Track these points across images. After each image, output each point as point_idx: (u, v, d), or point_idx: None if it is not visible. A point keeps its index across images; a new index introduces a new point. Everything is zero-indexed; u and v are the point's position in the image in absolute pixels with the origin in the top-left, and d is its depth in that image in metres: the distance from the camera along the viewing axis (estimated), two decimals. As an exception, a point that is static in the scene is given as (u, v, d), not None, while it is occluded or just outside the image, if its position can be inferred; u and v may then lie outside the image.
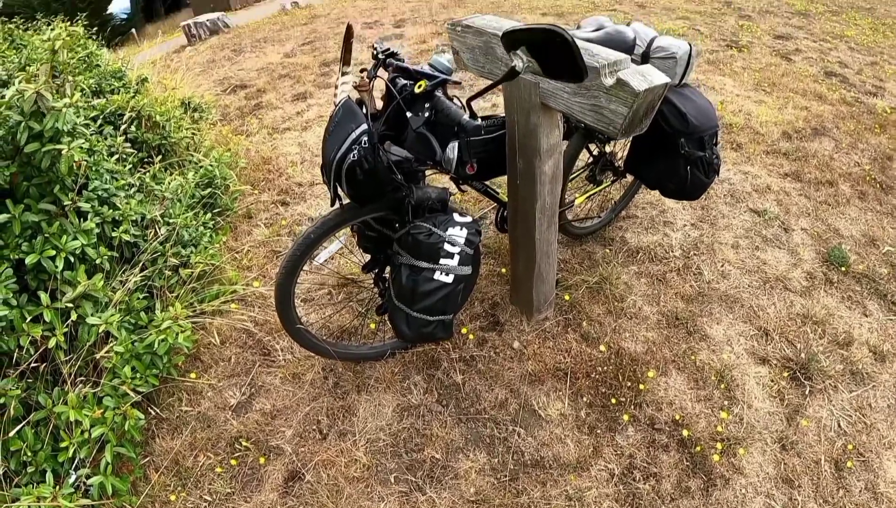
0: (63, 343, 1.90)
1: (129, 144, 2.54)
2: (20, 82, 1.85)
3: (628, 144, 2.37)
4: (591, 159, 2.52)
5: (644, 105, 1.38)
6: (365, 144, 1.49)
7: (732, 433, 1.98)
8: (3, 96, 1.84)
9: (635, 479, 1.85)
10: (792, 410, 2.07)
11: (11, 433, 1.74)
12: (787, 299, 2.49)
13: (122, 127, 2.60)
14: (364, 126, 1.51)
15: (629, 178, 2.67)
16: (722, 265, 2.64)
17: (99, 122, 2.53)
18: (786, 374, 2.18)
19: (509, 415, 2.02)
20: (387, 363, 2.22)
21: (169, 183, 2.51)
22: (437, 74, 1.64)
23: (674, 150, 2.09)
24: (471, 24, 1.83)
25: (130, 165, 2.47)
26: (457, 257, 1.64)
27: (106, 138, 2.46)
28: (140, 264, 2.30)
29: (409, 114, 1.55)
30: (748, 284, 2.56)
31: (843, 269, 2.67)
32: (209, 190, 2.84)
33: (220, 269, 2.67)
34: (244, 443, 2.05)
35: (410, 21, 7.76)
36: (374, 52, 1.74)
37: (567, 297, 2.39)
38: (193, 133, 3.05)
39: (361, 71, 1.76)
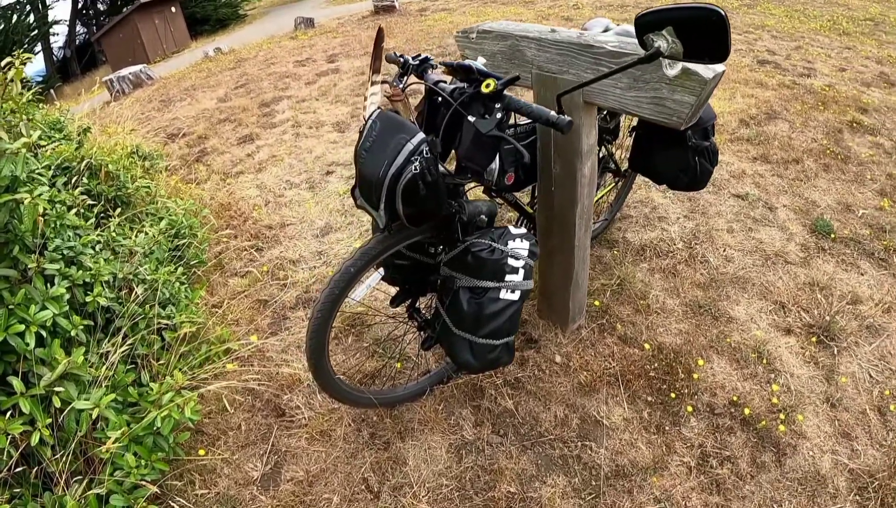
0: (48, 437, 1.55)
1: (85, 196, 2.18)
2: None
3: (630, 144, 2.37)
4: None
5: (706, 94, 1.36)
6: (427, 153, 1.34)
7: (786, 402, 2.00)
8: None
9: (712, 466, 1.80)
10: (828, 370, 2.12)
11: None
12: (791, 272, 2.57)
13: (74, 179, 2.24)
14: (421, 135, 1.34)
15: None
16: (724, 250, 2.69)
17: (51, 172, 2.16)
18: (812, 339, 2.22)
19: (573, 431, 1.89)
20: (425, 402, 2.02)
21: (134, 238, 2.17)
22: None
23: (682, 142, 2.11)
24: (489, 28, 1.76)
25: (92, 219, 2.12)
26: (522, 272, 1.50)
27: (60, 191, 2.10)
28: (121, 332, 1.96)
29: (471, 118, 1.40)
30: (752, 263, 2.62)
31: (832, 236, 2.80)
32: (185, 240, 2.52)
33: (204, 328, 2.35)
34: (283, 519, 1.76)
35: (343, 55, 7.64)
36: (402, 61, 1.60)
37: (597, 303, 2.31)
38: (148, 183, 2.70)
39: (383, 82, 1.61)
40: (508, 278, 1.48)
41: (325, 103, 5.68)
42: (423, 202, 1.37)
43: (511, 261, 1.49)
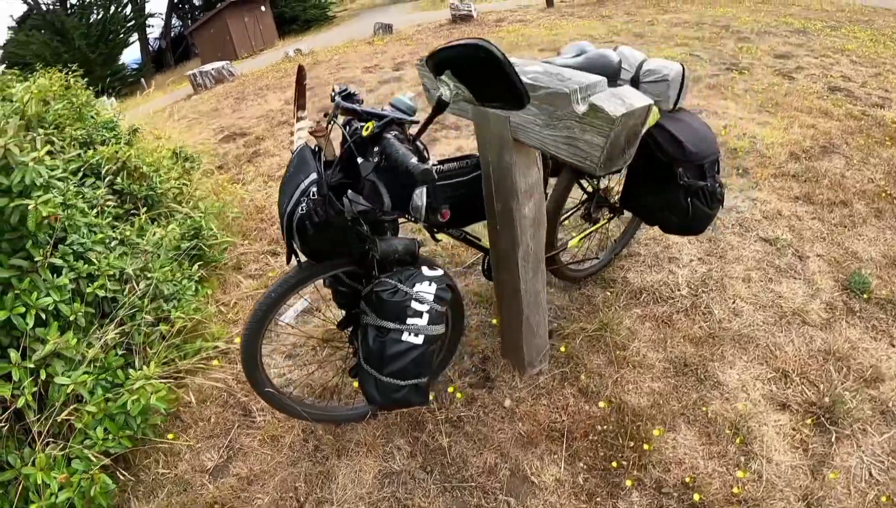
0: (32, 402, 1.81)
1: (112, 196, 2.51)
2: None
3: (623, 179, 2.24)
4: (584, 197, 2.39)
5: (624, 133, 1.22)
6: (314, 195, 1.39)
7: (750, 493, 1.77)
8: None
9: (639, 554, 1.66)
10: (817, 461, 1.85)
11: None
12: (807, 335, 2.28)
13: (108, 178, 2.57)
14: (313, 175, 1.40)
15: (627, 214, 2.52)
16: (733, 302, 2.45)
17: (80, 174, 2.51)
18: (808, 420, 1.96)
19: (499, 482, 1.84)
20: (369, 424, 2.07)
21: (149, 236, 2.46)
22: (396, 114, 1.54)
23: (672, 181, 1.96)
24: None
25: (110, 218, 2.42)
26: (426, 316, 1.49)
27: (85, 191, 2.43)
28: (117, 320, 2.23)
29: (359, 160, 1.43)
30: (763, 320, 2.36)
31: (865, 296, 2.45)
32: (195, 241, 2.78)
33: (203, 324, 2.59)
34: (218, 511, 1.92)
35: (409, 64, 7.86)
36: (332, 95, 1.66)
37: (563, 349, 2.22)
38: (184, 183, 3.02)
39: (325, 116, 1.67)
40: (410, 320, 1.48)
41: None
42: (313, 241, 1.43)
43: (415, 304, 1.48)
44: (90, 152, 2.67)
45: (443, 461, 1.92)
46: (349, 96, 1.61)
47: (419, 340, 1.49)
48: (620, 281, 2.60)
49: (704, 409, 2.01)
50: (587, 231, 2.42)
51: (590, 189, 2.36)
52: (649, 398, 2.05)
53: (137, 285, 2.33)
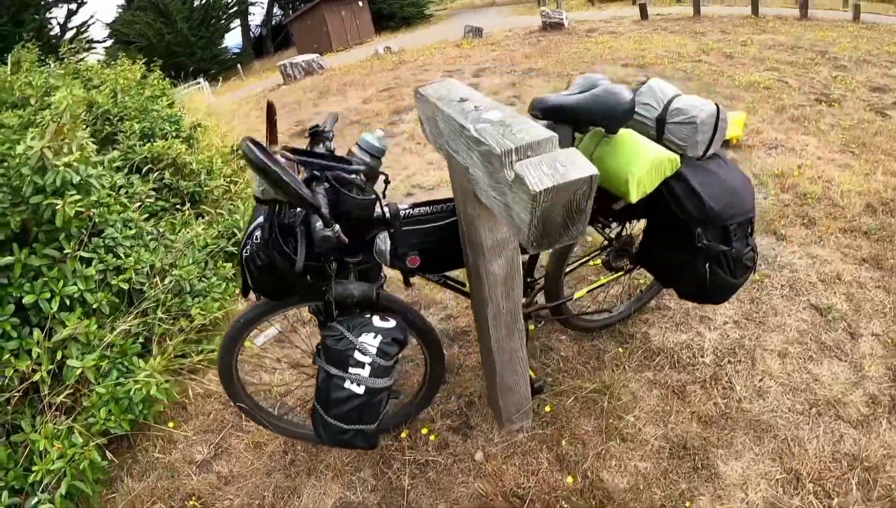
0: (47, 378, 2.02)
1: (158, 191, 2.71)
2: (31, 138, 2.04)
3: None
4: (604, 243, 2.21)
5: (559, 209, 1.05)
6: (257, 238, 1.41)
7: None
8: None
9: None
10: None
11: None
12: (836, 432, 1.98)
13: (156, 174, 2.78)
14: (259, 219, 1.42)
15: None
16: (761, 379, 2.18)
17: (128, 168, 2.74)
18: (809, 545, 1.71)
19: (443, 540, 1.80)
20: (343, 451, 2.09)
21: (182, 234, 2.63)
22: (362, 155, 1.52)
23: (689, 241, 1.75)
24: (424, 93, 1.64)
25: (147, 215, 2.62)
26: (368, 368, 1.47)
27: (132, 186, 2.64)
28: (139, 312, 2.42)
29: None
30: (789, 406, 2.08)
31: (923, 400, 2.07)
32: (231, 240, 2.94)
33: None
34: (193, 502, 2.04)
35: (490, 71, 7.79)
36: (307, 133, 1.66)
37: (548, 408, 2.09)
38: (233, 181, 3.19)
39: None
40: (352, 370, 1.46)
41: None
42: (259, 282, 1.46)
43: (357, 354, 1.46)
44: (146, 146, 2.90)
45: (399, 503, 1.90)
46: (317, 133, 1.61)
47: (360, 390, 1.48)
48: (639, 337, 2.40)
49: (688, 505, 1.81)
50: (597, 283, 2.25)
51: (608, 236, 2.18)
52: (630, 480, 1.89)
53: (163, 280, 2.51)
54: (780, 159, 3.94)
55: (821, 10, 10.90)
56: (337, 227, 1.22)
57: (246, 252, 1.43)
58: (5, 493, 1.83)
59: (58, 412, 2.02)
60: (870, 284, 2.62)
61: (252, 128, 6.37)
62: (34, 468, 1.85)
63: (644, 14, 11.24)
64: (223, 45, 26.73)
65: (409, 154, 5.04)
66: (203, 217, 3.07)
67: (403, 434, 2.10)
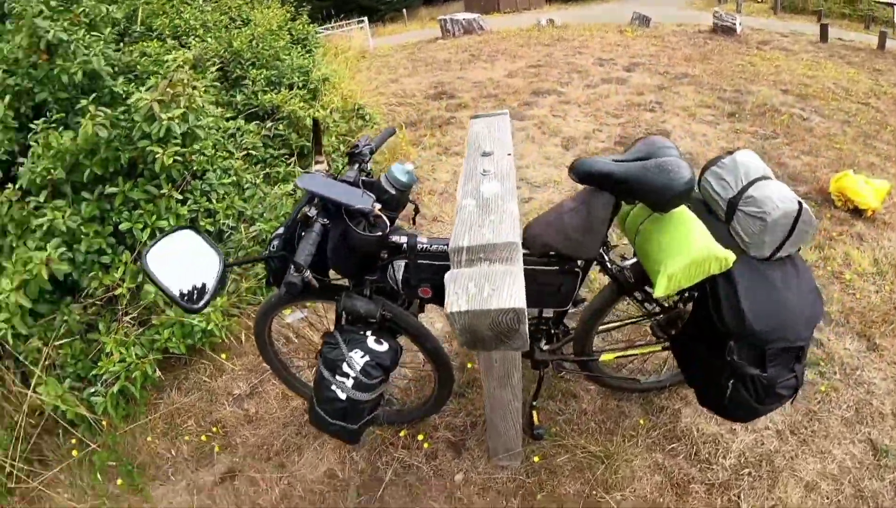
0: (126, 294, 2.42)
1: (267, 140, 2.97)
2: (146, 90, 2.34)
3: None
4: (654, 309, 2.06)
5: (480, 327, 1.07)
6: (275, 246, 1.55)
7: None
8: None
9: None
10: None
11: (63, 342, 2.32)
12: None
13: (269, 124, 3.04)
14: (281, 229, 1.56)
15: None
16: (773, 504, 1.97)
17: (243, 116, 3.01)
18: None
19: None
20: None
21: (279, 187, 2.89)
22: (387, 188, 1.59)
23: (718, 351, 1.59)
24: (474, 122, 1.73)
25: (254, 162, 2.89)
26: (352, 381, 1.59)
27: (243, 134, 2.92)
28: (222, 250, 2.73)
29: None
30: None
31: None
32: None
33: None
34: (217, 429, 2.37)
35: (643, 67, 7.22)
36: (349, 150, 1.74)
37: (537, 458, 2.09)
38: (348, 140, 3.38)
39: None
40: (339, 377, 1.59)
41: (579, 112, 5.56)
42: (279, 281, 1.63)
43: (345, 366, 1.59)
44: (268, 95, 3.16)
45: (374, 492, 2.06)
46: (356, 154, 1.68)
47: (343, 396, 1.60)
48: (669, 413, 2.26)
49: None
50: (629, 352, 2.14)
51: (651, 308, 2.04)
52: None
53: (249, 228, 2.80)
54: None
55: None
56: (308, 273, 1.31)
57: (265, 253, 1.59)
58: (72, 378, 2.24)
59: (130, 324, 2.40)
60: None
61: (381, 85, 6.50)
62: (99, 363, 2.27)
63: (824, 36, 9.69)
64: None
65: (530, 143, 4.94)
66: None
67: (402, 434, 2.23)
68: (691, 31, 9.89)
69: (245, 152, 2.92)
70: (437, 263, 1.65)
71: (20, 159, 2.52)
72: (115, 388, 2.23)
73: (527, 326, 1.05)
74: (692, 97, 5.94)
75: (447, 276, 1.11)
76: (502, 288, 1.04)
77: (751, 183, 1.58)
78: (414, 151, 4.62)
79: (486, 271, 1.08)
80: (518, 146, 4.87)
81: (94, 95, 2.59)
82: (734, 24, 9.27)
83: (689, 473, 2.07)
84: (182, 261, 1.43)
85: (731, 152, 1.70)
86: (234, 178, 2.78)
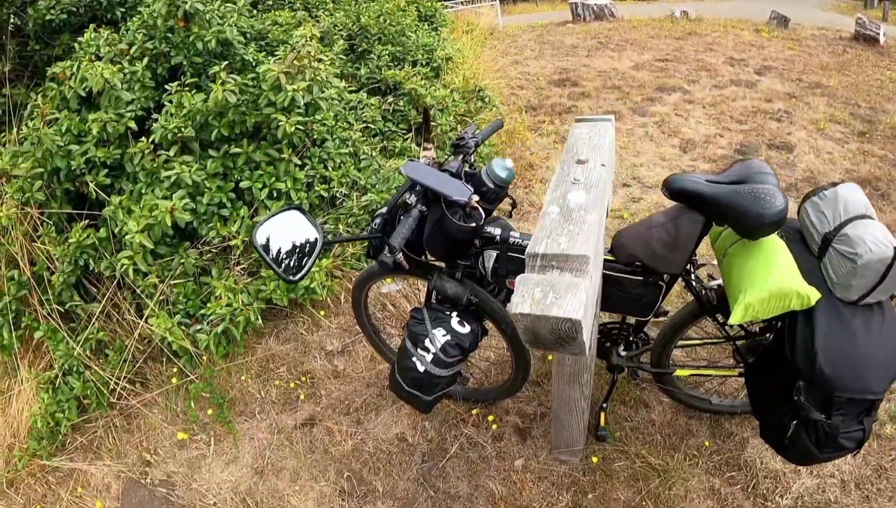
0: (240, 246, 2.70)
1: (388, 113, 3.15)
2: (275, 61, 2.57)
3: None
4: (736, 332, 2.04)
5: (541, 329, 1.17)
6: (377, 225, 1.71)
7: None
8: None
9: None
10: None
11: (177, 282, 2.65)
12: None
13: (390, 99, 3.21)
14: (384, 209, 1.72)
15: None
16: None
17: (366, 89, 3.19)
18: None
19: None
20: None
21: (394, 161, 3.08)
22: (485, 181, 1.69)
23: (787, 388, 1.57)
24: (577, 124, 1.81)
25: (373, 134, 3.06)
26: (431, 356, 1.71)
27: (363, 108, 3.13)
28: (332, 217, 2.98)
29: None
30: None
31: None
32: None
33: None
34: (305, 379, 2.65)
35: (775, 72, 6.70)
36: (454, 141, 1.84)
37: (595, 459, 2.17)
38: (466, 121, 3.50)
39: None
40: (420, 351, 1.74)
41: (703, 114, 5.29)
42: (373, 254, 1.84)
43: (427, 342, 1.73)
44: (391, 71, 3.33)
45: (438, 461, 2.26)
46: (460, 146, 1.79)
47: (421, 368, 1.75)
48: (736, 441, 2.25)
49: None
50: (704, 371, 2.15)
51: (733, 333, 2.02)
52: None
53: (361, 197, 3.02)
54: None
55: None
56: (399, 255, 1.45)
57: (367, 231, 1.76)
58: (182, 314, 2.57)
59: (240, 273, 2.71)
60: None
61: (505, 66, 6.45)
62: (208, 305, 2.57)
63: None
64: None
65: (647, 141, 4.84)
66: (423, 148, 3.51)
67: (474, 412, 2.39)
68: (831, 36, 8.97)
69: (364, 125, 3.12)
70: (523, 257, 1.76)
71: (154, 116, 2.75)
72: (220, 328, 2.53)
73: (586, 335, 1.15)
74: (823, 110, 5.48)
75: (518, 278, 1.23)
76: (564, 298, 1.15)
77: (849, 220, 1.52)
78: (531, 136, 4.66)
79: (553, 280, 1.19)
80: (636, 144, 4.80)
81: (225, 61, 2.80)
82: (878, 33, 8.28)
83: (743, 505, 2.07)
84: (287, 237, 1.61)
85: (835, 184, 1.64)
86: (352, 148, 3.00)
